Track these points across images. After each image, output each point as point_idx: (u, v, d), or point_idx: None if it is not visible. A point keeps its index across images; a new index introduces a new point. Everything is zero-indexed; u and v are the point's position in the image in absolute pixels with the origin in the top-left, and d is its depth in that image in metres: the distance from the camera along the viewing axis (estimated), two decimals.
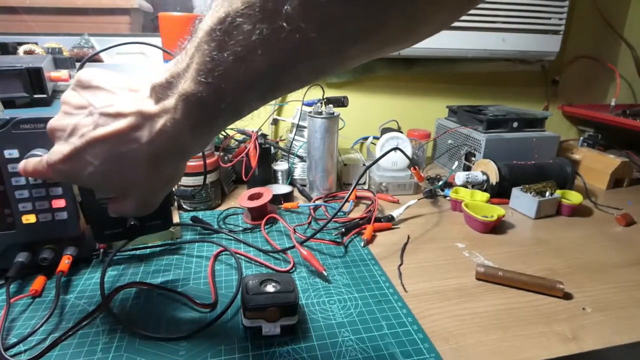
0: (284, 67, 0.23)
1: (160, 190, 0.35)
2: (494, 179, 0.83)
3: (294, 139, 0.90)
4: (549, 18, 1.06)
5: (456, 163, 0.92)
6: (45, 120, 0.46)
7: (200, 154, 0.67)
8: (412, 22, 0.22)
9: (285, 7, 0.19)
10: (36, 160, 0.35)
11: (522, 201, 0.78)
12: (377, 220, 0.70)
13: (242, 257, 0.59)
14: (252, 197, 0.71)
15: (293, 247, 0.59)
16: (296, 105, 0.92)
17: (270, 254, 0.60)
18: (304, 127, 0.87)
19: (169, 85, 0.27)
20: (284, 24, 0.20)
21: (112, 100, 0.30)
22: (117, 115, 0.29)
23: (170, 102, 0.27)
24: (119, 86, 0.31)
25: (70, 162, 0.31)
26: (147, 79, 0.29)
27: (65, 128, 0.31)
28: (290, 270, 0.56)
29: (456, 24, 0.82)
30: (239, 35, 0.22)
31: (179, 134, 0.28)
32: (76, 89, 0.33)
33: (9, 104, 0.57)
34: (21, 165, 0.37)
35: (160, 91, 0.28)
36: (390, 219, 0.72)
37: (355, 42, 0.22)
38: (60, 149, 0.31)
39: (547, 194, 0.77)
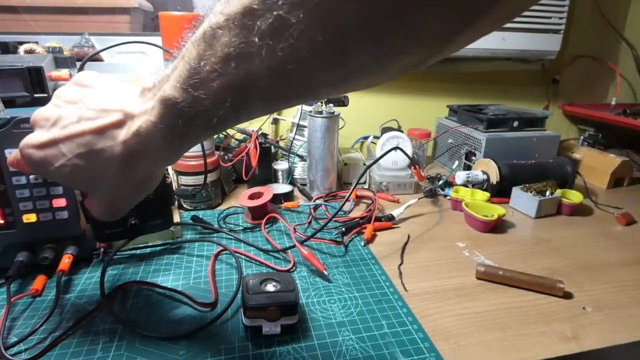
0: (255, 84, 0.23)
1: (128, 195, 0.34)
2: (494, 178, 0.83)
3: (294, 138, 0.90)
4: (550, 17, 1.06)
5: (456, 162, 0.91)
6: None
7: (201, 153, 0.67)
8: (380, 60, 0.23)
9: (259, 23, 0.21)
10: (16, 150, 0.35)
11: (523, 200, 0.78)
12: (378, 219, 0.70)
13: (243, 257, 0.59)
14: (252, 197, 0.71)
15: (293, 246, 0.59)
16: None
17: (271, 253, 0.60)
18: (304, 127, 0.87)
19: (153, 89, 0.28)
20: (255, 39, 0.21)
21: (102, 98, 0.31)
22: (102, 112, 0.30)
23: (149, 104, 0.28)
24: (115, 89, 0.32)
25: (44, 149, 0.31)
26: (142, 84, 0.30)
27: (49, 118, 0.32)
28: (291, 270, 0.56)
29: None
30: (216, 47, 0.23)
31: (151, 136, 0.28)
32: (72, 86, 0.33)
33: (10, 103, 0.57)
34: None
35: (146, 94, 0.29)
36: (391, 218, 0.72)
37: (323, 69, 0.23)
38: (37, 135, 0.31)
39: (548, 193, 0.77)
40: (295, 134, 0.90)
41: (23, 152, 0.32)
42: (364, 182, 0.88)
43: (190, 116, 0.26)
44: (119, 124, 0.29)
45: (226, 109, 0.25)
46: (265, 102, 0.26)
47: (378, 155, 0.77)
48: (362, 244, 0.64)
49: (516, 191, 0.80)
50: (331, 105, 0.79)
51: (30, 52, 0.75)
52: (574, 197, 0.78)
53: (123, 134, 0.29)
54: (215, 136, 0.87)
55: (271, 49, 0.21)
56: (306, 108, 0.88)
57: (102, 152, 0.30)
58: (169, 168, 0.73)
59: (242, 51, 0.22)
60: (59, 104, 0.32)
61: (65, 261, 0.50)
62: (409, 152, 0.81)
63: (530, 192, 0.77)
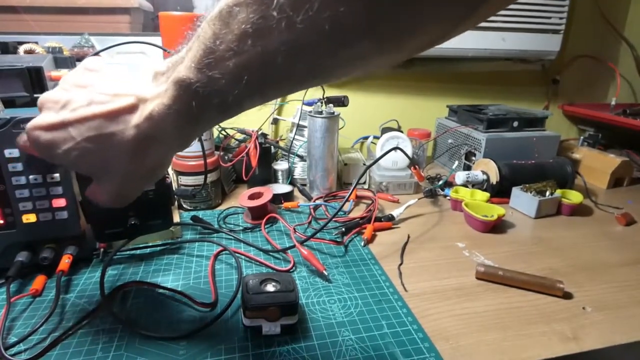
0: (272, 60, 0.23)
1: (138, 181, 0.34)
2: (494, 178, 0.83)
3: (294, 138, 0.90)
4: (549, 17, 1.06)
5: (456, 162, 0.92)
6: None
7: (201, 153, 0.67)
8: (397, 36, 0.23)
9: None
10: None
11: (523, 200, 0.78)
12: (378, 219, 0.70)
13: (242, 257, 0.59)
14: (252, 197, 0.71)
15: (293, 246, 0.59)
16: (296, 104, 0.92)
17: (271, 253, 0.60)
18: (304, 127, 0.87)
19: (166, 72, 0.28)
20: (274, 13, 0.21)
21: (114, 83, 0.31)
22: (114, 96, 0.30)
23: (162, 87, 0.28)
24: (125, 75, 0.32)
25: (52, 132, 0.30)
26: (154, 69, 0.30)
27: (58, 101, 0.31)
28: (291, 270, 0.56)
29: None
30: (233, 25, 0.23)
31: (164, 120, 0.28)
32: (80, 71, 0.33)
33: (10, 103, 0.57)
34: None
35: (159, 78, 0.29)
36: (391, 218, 0.72)
37: (343, 44, 0.22)
38: (46, 117, 0.31)
39: (548, 193, 0.77)
40: (295, 134, 0.90)
41: (30, 134, 0.32)
42: (364, 182, 0.88)
43: (204, 97, 0.26)
44: (131, 109, 0.29)
45: (241, 88, 0.25)
46: (279, 82, 0.26)
47: (378, 155, 0.77)
48: (362, 244, 0.64)
49: (516, 191, 0.80)
50: (331, 105, 0.79)
51: (30, 52, 0.75)
52: (574, 197, 0.78)
53: (135, 118, 0.29)
54: (215, 136, 0.87)
55: (290, 23, 0.21)
56: (306, 108, 0.88)
57: (113, 136, 0.29)
58: (169, 168, 0.73)
59: (259, 27, 0.22)
60: (68, 88, 0.32)
61: (65, 261, 0.50)
62: (409, 152, 0.81)
63: (530, 192, 0.77)
